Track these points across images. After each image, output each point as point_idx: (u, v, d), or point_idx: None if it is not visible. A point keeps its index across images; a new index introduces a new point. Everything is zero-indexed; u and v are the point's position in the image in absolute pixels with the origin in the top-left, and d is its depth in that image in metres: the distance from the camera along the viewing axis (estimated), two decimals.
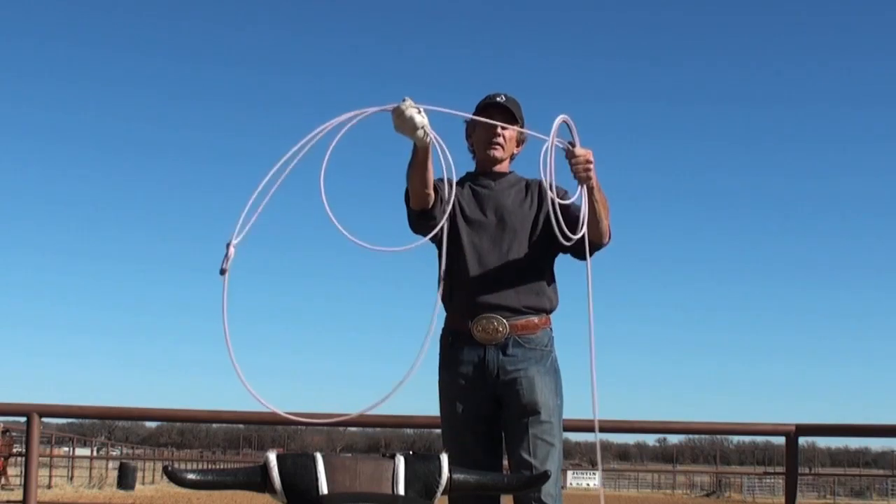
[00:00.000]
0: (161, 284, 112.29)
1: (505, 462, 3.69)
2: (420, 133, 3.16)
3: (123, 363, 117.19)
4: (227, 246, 2.79)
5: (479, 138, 3.67)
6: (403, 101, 3.13)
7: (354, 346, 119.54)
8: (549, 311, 3.62)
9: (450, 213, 3.47)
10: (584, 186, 3.40)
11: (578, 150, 3.37)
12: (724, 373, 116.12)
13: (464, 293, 3.55)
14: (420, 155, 3.29)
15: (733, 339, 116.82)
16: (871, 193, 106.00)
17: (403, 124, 3.13)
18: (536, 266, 3.60)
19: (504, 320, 3.50)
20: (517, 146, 3.73)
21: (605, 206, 3.52)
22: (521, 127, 3.66)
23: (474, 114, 3.63)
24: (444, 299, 3.58)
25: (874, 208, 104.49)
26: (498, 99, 3.63)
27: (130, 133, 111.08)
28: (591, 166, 3.38)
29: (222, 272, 2.80)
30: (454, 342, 3.59)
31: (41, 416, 5.52)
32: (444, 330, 3.66)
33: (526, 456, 3.46)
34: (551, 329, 3.63)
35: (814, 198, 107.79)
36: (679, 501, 43.43)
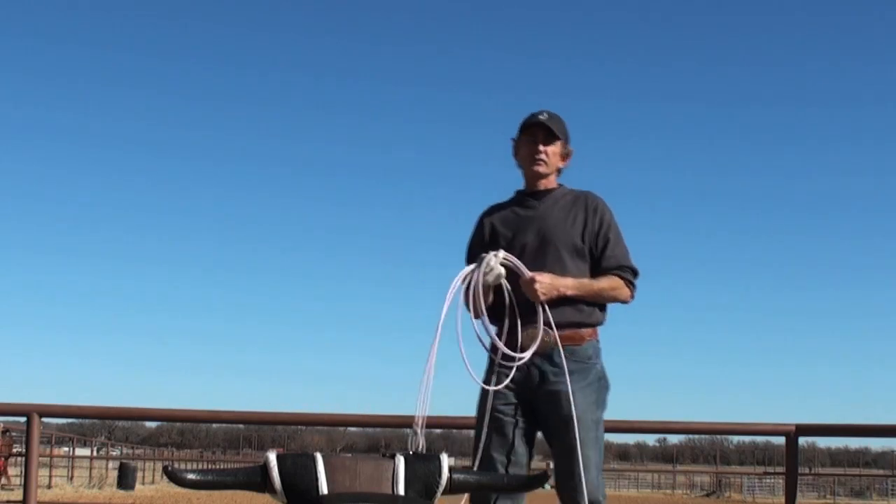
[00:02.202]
0: (161, 284, 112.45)
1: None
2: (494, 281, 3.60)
3: (123, 363, 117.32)
4: (414, 429, 2.78)
5: (524, 156, 3.86)
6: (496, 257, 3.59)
7: (354, 346, 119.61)
8: (594, 326, 3.73)
9: (491, 239, 3.78)
10: (543, 306, 3.59)
11: (529, 278, 3.60)
12: (724, 373, 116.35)
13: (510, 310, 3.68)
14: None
15: (734, 339, 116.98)
16: (871, 193, 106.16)
17: (490, 277, 3.56)
18: None
19: (551, 330, 3.60)
20: (562, 160, 3.89)
21: (594, 293, 3.69)
22: (566, 142, 3.86)
23: (518, 132, 3.87)
24: (490, 315, 3.68)
25: (874, 208, 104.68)
26: (540, 117, 3.80)
27: (130, 133, 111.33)
28: (546, 286, 3.58)
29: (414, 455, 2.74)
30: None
31: (41, 416, 5.51)
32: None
33: (566, 464, 3.56)
34: (598, 341, 3.74)
35: (814, 198, 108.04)
36: (679, 501, 43.39)
